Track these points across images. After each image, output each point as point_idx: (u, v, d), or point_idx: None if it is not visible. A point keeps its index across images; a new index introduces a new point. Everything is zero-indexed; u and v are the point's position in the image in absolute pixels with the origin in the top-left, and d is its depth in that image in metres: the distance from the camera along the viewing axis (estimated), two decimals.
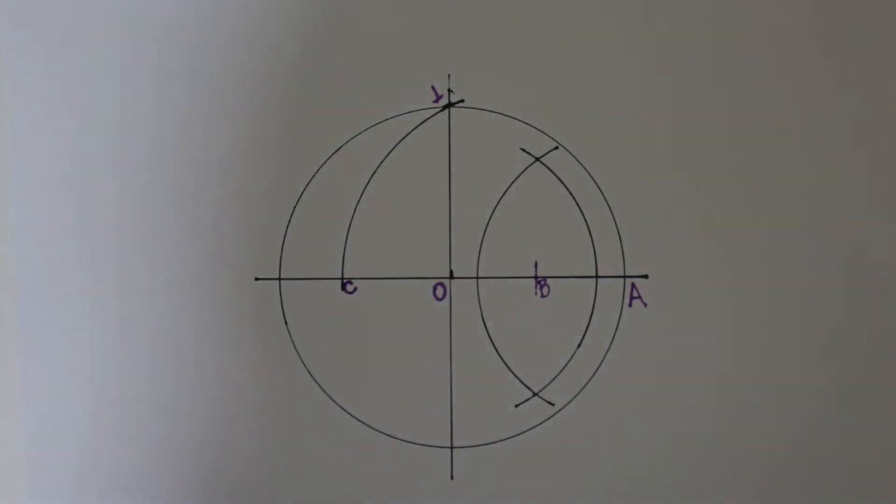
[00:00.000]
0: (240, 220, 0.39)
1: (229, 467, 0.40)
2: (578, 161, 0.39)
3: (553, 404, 0.40)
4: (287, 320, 0.40)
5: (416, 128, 0.39)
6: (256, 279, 0.39)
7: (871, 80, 0.39)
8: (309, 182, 0.39)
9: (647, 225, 0.39)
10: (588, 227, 0.39)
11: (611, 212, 0.39)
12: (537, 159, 0.39)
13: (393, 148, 0.39)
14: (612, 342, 0.40)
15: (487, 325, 0.40)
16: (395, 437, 0.40)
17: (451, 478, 0.40)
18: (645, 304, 0.40)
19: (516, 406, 0.40)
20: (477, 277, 0.40)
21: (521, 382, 0.40)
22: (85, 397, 0.39)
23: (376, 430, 0.40)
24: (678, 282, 0.39)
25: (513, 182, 0.39)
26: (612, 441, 0.40)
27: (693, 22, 0.39)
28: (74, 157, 0.39)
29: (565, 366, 0.40)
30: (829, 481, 0.40)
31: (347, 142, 0.39)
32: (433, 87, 0.39)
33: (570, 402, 0.40)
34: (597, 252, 0.40)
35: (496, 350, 0.40)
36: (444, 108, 0.39)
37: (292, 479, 0.40)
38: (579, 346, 0.40)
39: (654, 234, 0.39)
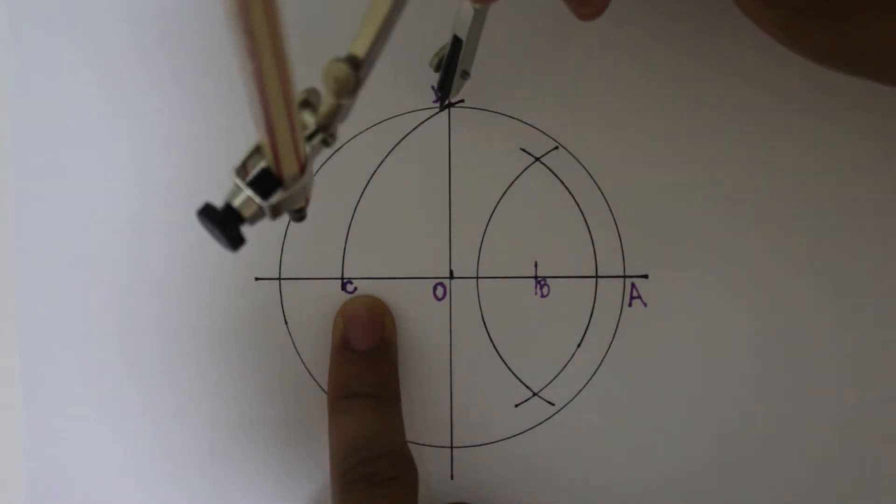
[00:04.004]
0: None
1: (229, 467, 0.40)
2: (578, 161, 0.39)
3: (553, 404, 0.40)
4: (287, 320, 0.40)
5: (416, 128, 0.39)
6: (256, 279, 0.39)
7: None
8: None
9: (647, 225, 0.39)
10: (588, 227, 0.39)
11: (611, 212, 0.39)
12: (537, 159, 0.39)
13: (393, 148, 0.39)
14: (612, 342, 0.40)
15: (487, 325, 0.40)
16: None
17: (451, 478, 0.40)
18: (645, 304, 0.40)
19: (516, 406, 0.40)
20: (477, 277, 0.39)
21: (521, 382, 0.40)
22: (85, 397, 0.39)
23: None
24: (678, 282, 0.39)
25: (513, 182, 0.39)
26: (613, 441, 0.40)
27: (694, 21, 0.39)
28: (74, 157, 0.39)
29: (565, 366, 0.40)
30: (830, 482, 0.40)
31: (347, 142, 0.39)
32: (433, 87, 0.39)
33: (570, 402, 0.40)
34: (597, 252, 0.40)
35: (496, 350, 0.40)
36: (444, 108, 0.39)
37: (292, 479, 0.40)
38: (579, 346, 0.40)
39: (654, 234, 0.39)
